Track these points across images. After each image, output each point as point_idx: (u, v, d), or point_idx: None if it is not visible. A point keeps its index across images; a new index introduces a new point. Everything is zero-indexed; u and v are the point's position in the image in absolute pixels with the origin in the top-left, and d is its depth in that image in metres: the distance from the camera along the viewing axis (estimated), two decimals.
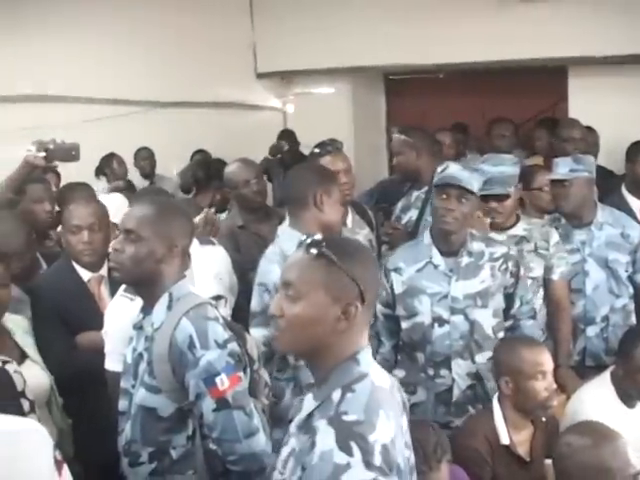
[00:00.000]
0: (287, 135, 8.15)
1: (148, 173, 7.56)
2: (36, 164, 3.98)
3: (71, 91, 7.34)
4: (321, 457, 1.92)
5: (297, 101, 8.81)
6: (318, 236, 2.12)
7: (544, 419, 3.48)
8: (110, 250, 3.80)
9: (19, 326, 3.45)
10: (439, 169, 3.79)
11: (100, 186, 6.44)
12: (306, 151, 7.25)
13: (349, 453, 1.90)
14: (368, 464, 1.89)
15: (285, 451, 2.12)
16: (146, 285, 2.79)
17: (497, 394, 3.50)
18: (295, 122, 8.71)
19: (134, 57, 7.71)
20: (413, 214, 4.97)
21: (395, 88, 8.95)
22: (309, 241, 2.10)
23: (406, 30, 7.51)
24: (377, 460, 1.91)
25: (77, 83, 7.33)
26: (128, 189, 6.20)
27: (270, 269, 3.49)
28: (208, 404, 2.66)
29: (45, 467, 2.07)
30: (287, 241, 3.49)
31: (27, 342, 3.42)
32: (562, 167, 4.58)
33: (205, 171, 5.65)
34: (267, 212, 4.67)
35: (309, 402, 2.10)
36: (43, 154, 3.95)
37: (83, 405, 3.59)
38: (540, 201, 4.93)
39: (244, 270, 4.10)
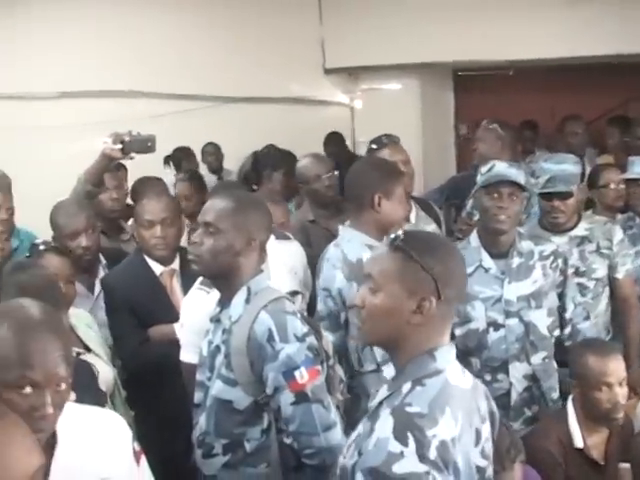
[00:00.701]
0: (334, 138, 8.09)
1: (215, 168, 7.59)
2: (113, 156, 4.02)
3: (143, 86, 7.48)
4: (376, 444, 1.93)
5: (365, 97, 8.80)
6: (400, 231, 2.13)
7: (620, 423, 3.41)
8: (182, 244, 3.89)
9: (81, 320, 3.49)
10: (484, 169, 3.69)
11: (168, 177, 6.45)
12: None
13: (404, 443, 1.90)
14: (422, 457, 1.89)
15: (352, 436, 2.14)
16: (224, 278, 2.80)
17: (572, 396, 3.44)
18: (362, 118, 8.72)
19: (203, 53, 7.79)
20: None
21: (464, 84, 8.89)
22: (392, 235, 2.12)
23: (476, 26, 7.44)
24: (432, 454, 1.91)
25: (149, 78, 7.47)
26: (194, 179, 6.15)
27: (333, 275, 3.47)
28: (287, 397, 2.66)
29: (124, 457, 2.10)
30: (348, 243, 3.50)
31: (89, 336, 3.46)
32: (638, 166, 4.49)
33: (254, 165, 5.61)
34: (338, 207, 4.64)
35: (382, 392, 2.11)
36: (120, 146, 3.98)
37: (156, 397, 3.62)
38: (607, 198, 4.85)
39: (314, 265, 4.09)
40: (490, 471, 2.15)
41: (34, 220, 4.30)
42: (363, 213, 3.56)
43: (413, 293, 2.04)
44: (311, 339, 2.73)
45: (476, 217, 4.81)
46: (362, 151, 8.26)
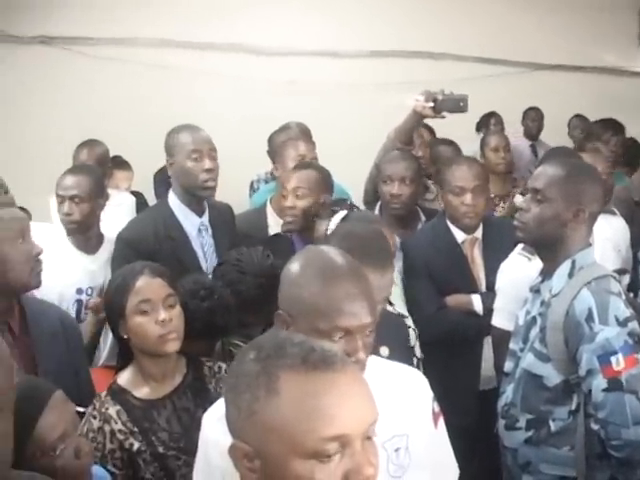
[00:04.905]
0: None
1: (534, 134, 7.35)
2: (424, 114, 3.97)
3: (453, 48, 7.48)
4: None
5: None
6: None
7: None
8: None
9: None
10: None
11: (474, 144, 6.38)
12: None
13: None
14: None
15: None
16: (548, 248, 2.69)
17: None
18: None
19: (516, 18, 7.64)
20: None
21: None
22: None
23: None
24: None
25: (458, 41, 7.46)
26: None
27: None
28: (599, 382, 2.52)
29: (424, 417, 2.07)
30: None
31: (394, 292, 3.44)
32: None
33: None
34: None
35: None
36: (431, 104, 3.94)
37: (448, 365, 3.56)
38: None
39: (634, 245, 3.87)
40: None
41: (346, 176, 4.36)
42: None
43: None
44: (633, 324, 2.56)
45: None
46: None
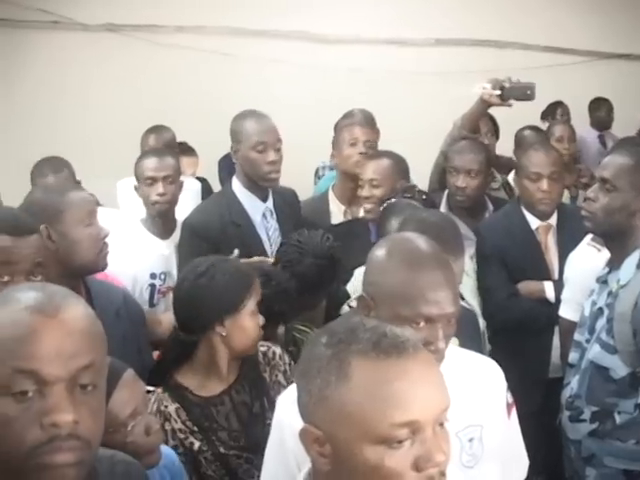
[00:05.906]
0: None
1: (602, 125, 7.18)
2: (491, 102, 3.95)
3: (519, 37, 7.40)
4: None
5: None
6: None
7: None
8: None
9: None
10: None
11: None
12: None
13: None
14: None
15: None
16: (616, 238, 2.67)
17: None
18: None
19: (578, 7, 7.53)
20: None
21: None
22: None
23: None
24: None
25: (525, 30, 7.38)
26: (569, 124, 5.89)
27: None
28: None
29: (498, 407, 2.06)
30: None
31: (465, 284, 3.37)
32: None
33: None
34: None
35: None
36: (498, 92, 3.91)
37: (517, 353, 3.53)
38: None
39: None
40: None
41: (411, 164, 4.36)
42: None
43: None
44: None
45: None
46: None
